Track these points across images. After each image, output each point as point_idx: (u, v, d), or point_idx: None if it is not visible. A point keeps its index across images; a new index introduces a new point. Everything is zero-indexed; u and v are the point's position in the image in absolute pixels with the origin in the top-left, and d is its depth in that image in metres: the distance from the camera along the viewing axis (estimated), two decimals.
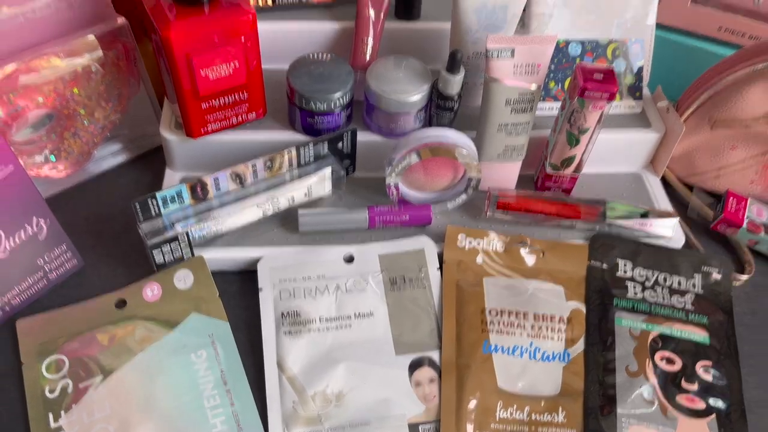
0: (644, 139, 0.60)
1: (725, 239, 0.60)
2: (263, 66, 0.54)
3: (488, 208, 0.57)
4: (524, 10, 0.55)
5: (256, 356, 0.50)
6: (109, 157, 0.62)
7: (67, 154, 0.58)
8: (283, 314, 0.51)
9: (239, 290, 0.53)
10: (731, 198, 0.59)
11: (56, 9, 0.53)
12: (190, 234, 0.51)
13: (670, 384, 0.50)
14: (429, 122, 0.59)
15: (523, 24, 0.52)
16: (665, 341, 0.52)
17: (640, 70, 0.61)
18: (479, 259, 0.55)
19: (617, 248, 0.56)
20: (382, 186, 0.55)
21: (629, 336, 0.52)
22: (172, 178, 0.59)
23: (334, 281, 0.53)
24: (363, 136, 0.58)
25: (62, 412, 0.46)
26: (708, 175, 0.61)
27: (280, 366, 0.49)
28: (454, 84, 0.54)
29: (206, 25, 0.48)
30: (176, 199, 0.52)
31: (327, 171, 0.56)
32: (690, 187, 0.63)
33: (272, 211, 0.55)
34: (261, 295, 0.52)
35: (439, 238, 0.55)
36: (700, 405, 0.49)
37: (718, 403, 0.49)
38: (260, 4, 0.61)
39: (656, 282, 0.55)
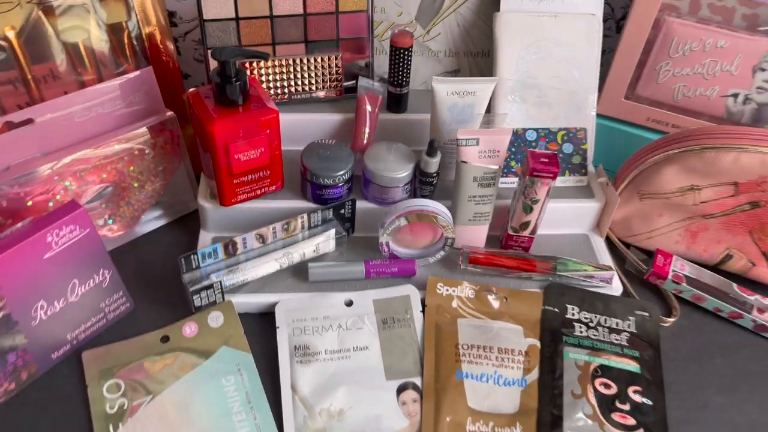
0: (589, 208, 0.74)
1: (656, 288, 0.73)
2: (282, 147, 0.68)
3: (462, 263, 0.70)
4: (489, 110, 0.70)
5: (274, 381, 0.61)
6: (153, 220, 0.75)
7: (121, 218, 0.72)
8: (295, 347, 0.63)
9: (260, 328, 0.66)
10: (659, 255, 0.72)
11: (120, 106, 0.67)
12: (222, 283, 0.64)
13: (606, 405, 0.61)
14: (414, 194, 0.73)
15: (488, 120, 0.67)
16: (604, 370, 0.64)
17: (585, 151, 0.75)
18: (454, 303, 0.68)
19: (567, 296, 0.69)
20: (376, 244, 0.69)
21: (574, 366, 0.64)
22: (205, 237, 0.72)
23: (336, 321, 0.65)
24: (361, 204, 0.71)
25: (120, 425, 0.58)
26: (642, 236, 0.75)
27: (293, 388, 0.61)
28: (432, 164, 0.69)
29: (240, 121, 0.62)
30: (212, 254, 0.65)
31: (332, 232, 0.69)
32: (628, 246, 0.76)
33: (287, 264, 0.68)
34: (278, 332, 0.64)
35: (421, 287, 0.68)
36: (631, 421, 0.61)
37: (646, 419, 0.61)
38: (278, 99, 0.76)
39: (598, 323, 0.67)
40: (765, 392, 0.65)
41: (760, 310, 0.69)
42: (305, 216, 0.68)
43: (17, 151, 0.63)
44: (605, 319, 0.68)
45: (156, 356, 0.62)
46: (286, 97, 0.75)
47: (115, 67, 0.69)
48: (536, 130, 0.74)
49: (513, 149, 0.74)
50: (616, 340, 0.66)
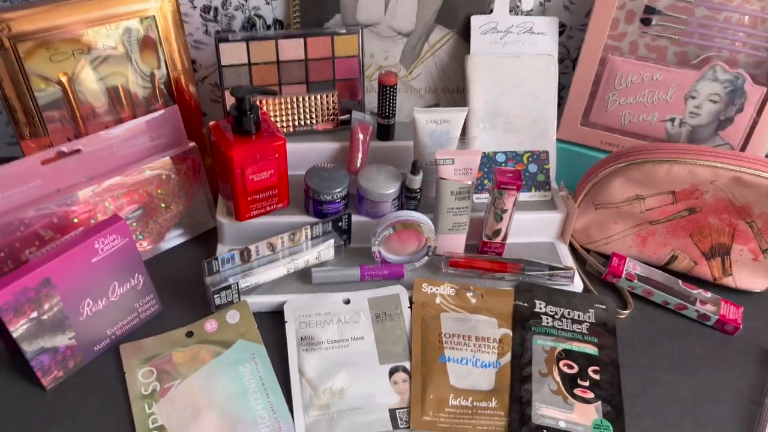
0: (553, 218, 0.86)
1: (613, 286, 0.84)
2: (288, 172, 0.80)
3: (443, 267, 0.81)
4: (464, 134, 0.83)
5: (284, 366, 0.71)
6: (176, 237, 0.86)
7: (149, 234, 0.83)
8: (301, 338, 0.74)
9: (271, 324, 0.76)
10: (615, 257, 0.83)
11: (150, 139, 0.79)
12: (238, 284, 0.75)
13: (569, 381, 0.71)
14: (401, 207, 0.84)
15: (462, 143, 0.79)
16: (567, 354, 0.74)
17: (548, 170, 0.87)
18: (437, 300, 0.79)
19: (535, 292, 0.80)
20: (370, 252, 0.80)
21: (542, 350, 0.74)
22: (222, 250, 0.83)
23: (336, 316, 0.76)
24: (356, 218, 0.82)
25: (154, 404, 0.68)
26: (600, 242, 0.86)
27: (301, 372, 0.71)
28: (416, 181, 0.81)
29: (254, 147, 0.74)
30: (230, 260, 0.76)
31: (331, 242, 0.80)
32: (588, 251, 0.87)
33: (294, 270, 0.79)
34: (286, 326, 0.74)
35: (409, 287, 0.79)
36: (590, 395, 0.71)
37: (603, 394, 0.71)
38: (285, 131, 0.88)
39: (562, 315, 0.78)
40: (707, 371, 0.75)
41: (702, 302, 0.80)
42: (308, 228, 0.79)
43: (66, 176, 0.74)
44: (568, 312, 0.78)
45: (182, 348, 0.73)
46: (291, 129, 0.88)
47: (146, 105, 0.81)
48: (505, 153, 0.87)
49: (486, 170, 0.86)
50: (578, 329, 0.77)
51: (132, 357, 0.72)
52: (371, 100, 0.90)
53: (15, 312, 0.63)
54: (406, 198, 0.83)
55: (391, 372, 0.72)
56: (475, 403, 0.69)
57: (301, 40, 0.83)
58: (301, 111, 0.87)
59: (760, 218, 0.77)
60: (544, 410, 0.69)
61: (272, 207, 0.81)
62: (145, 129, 0.78)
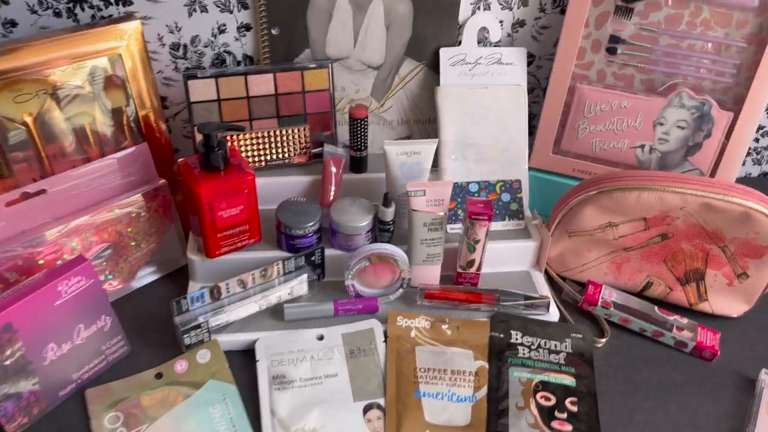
0: (527, 247, 0.85)
1: (589, 314, 0.83)
2: (260, 206, 0.78)
3: (418, 299, 0.80)
4: (435, 165, 0.83)
5: (255, 406, 0.70)
6: (147, 275, 0.84)
7: (119, 273, 0.82)
8: (273, 377, 0.72)
9: (243, 362, 0.74)
10: (590, 285, 0.83)
11: (120, 177, 0.78)
12: (208, 323, 0.74)
13: (546, 414, 0.70)
14: (375, 240, 0.84)
15: (435, 175, 0.79)
16: (544, 385, 0.73)
17: (521, 199, 0.87)
18: (412, 333, 0.78)
19: (510, 323, 0.79)
20: (344, 286, 0.79)
21: (518, 382, 0.73)
22: (194, 287, 0.81)
23: (309, 353, 0.74)
24: (329, 252, 0.82)
25: None
26: (575, 270, 0.86)
27: (272, 412, 0.69)
28: (388, 214, 0.80)
29: (222, 183, 0.74)
30: (200, 299, 0.75)
31: (304, 277, 0.79)
32: (564, 279, 0.87)
33: (266, 306, 0.78)
34: (258, 364, 0.73)
35: (384, 321, 0.78)
36: (568, 428, 0.69)
37: (581, 426, 0.70)
38: (256, 165, 0.88)
39: (539, 345, 0.77)
40: (685, 398, 0.74)
41: (679, 329, 0.80)
42: (280, 263, 0.78)
43: (31, 217, 0.73)
44: (545, 342, 0.78)
45: (151, 390, 0.71)
46: (263, 163, 0.88)
47: (115, 143, 0.81)
48: (477, 182, 0.87)
49: (459, 200, 0.86)
50: (555, 359, 0.76)
51: (98, 402, 0.70)
52: (344, 132, 0.90)
53: None
54: (380, 230, 0.82)
55: (366, 409, 0.70)
56: None
57: (271, 76, 0.83)
58: (273, 145, 0.87)
59: (732, 243, 0.77)
60: None
61: (243, 243, 0.80)
62: (113, 167, 0.77)
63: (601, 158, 0.89)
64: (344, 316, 0.78)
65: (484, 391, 0.72)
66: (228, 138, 0.84)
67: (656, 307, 0.81)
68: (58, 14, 0.80)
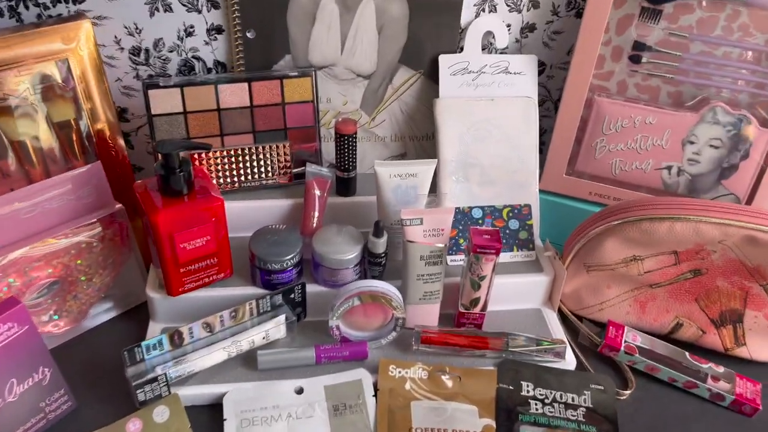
0: (538, 282, 0.75)
1: (610, 360, 0.73)
2: (231, 234, 0.68)
3: (414, 343, 0.70)
4: (434, 190, 0.72)
5: None
6: (102, 313, 0.74)
7: (67, 313, 0.70)
8: None
9: (208, 420, 0.63)
10: (611, 327, 0.72)
11: (67, 201, 0.68)
12: (167, 375, 0.63)
13: None
14: (364, 275, 0.73)
15: (432, 201, 0.69)
16: None
17: (531, 227, 0.77)
18: (407, 385, 0.67)
19: (521, 372, 0.69)
20: (327, 328, 0.68)
21: None
22: (154, 328, 0.71)
23: (286, 410, 0.63)
24: (311, 288, 0.71)
25: None
26: (593, 308, 0.75)
27: None
28: (379, 245, 0.70)
29: (185, 210, 0.63)
30: (158, 346, 0.64)
31: (282, 317, 0.69)
32: (580, 318, 0.76)
33: (236, 353, 0.67)
34: (225, 424, 0.62)
35: (374, 370, 0.67)
36: None
37: None
38: (229, 188, 0.77)
39: (554, 399, 0.67)
40: None
41: (714, 379, 0.69)
42: (253, 303, 0.68)
43: None
44: (561, 395, 0.67)
45: None
46: (236, 185, 0.77)
47: (64, 162, 0.70)
48: (482, 208, 0.76)
49: (460, 227, 0.75)
50: (573, 416, 0.65)
51: None
52: (330, 150, 0.80)
53: None
54: (370, 264, 0.71)
55: None
56: None
57: (246, 85, 0.73)
58: (248, 164, 0.76)
59: None
60: None
61: (211, 278, 0.69)
62: (60, 190, 0.67)
63: (622, 181, 0.78)
64: (328, 365, 0.68)
65: None
66: (194, 157, 0.73)
67: (687, 353, 0.71)
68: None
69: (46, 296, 0.68)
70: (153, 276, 0.71)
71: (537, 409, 0.65)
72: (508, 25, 0.79)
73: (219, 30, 0.75)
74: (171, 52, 0.75)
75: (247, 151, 0.76)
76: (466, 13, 0.77)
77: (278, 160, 0.77)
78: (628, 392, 0.69)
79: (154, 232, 0.63)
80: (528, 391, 0.67)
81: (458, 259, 0.75)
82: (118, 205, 0.71)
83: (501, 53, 0.80)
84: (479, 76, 0.78)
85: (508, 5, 0.77)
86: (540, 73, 0.82)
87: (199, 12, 0.73)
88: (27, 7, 0.69)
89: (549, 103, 0.85)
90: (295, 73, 0.75)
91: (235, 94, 0.73)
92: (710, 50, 0.72)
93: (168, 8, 0.72)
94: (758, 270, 0.67)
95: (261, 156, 0.76)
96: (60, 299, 0.69)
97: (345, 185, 0.77)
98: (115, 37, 0.73)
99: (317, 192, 0.75)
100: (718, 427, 0.67)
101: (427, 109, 0.80)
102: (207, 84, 0.72)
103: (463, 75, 0.77)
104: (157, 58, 0.75)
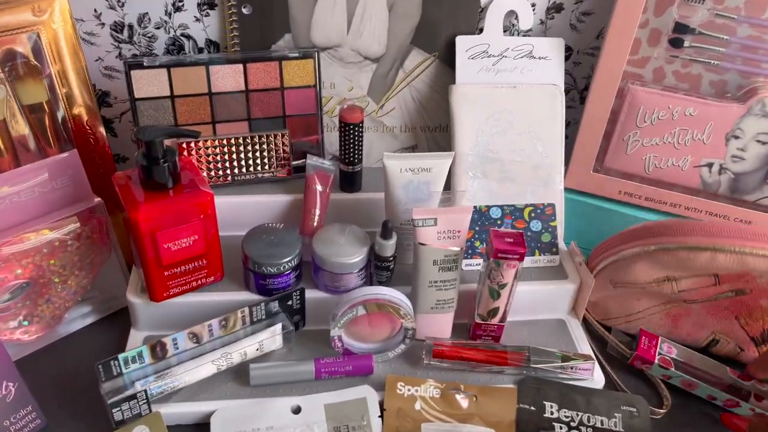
0: (563, 289, 0.68)
1: (642, 373, 0.66)
2: (223, 233, 0.62)
3: (425, 357, 0.63)
4: (448, 187, 0.65)
5: None
6: (79, 319, 0.67)
7: (39, 318, 0.64)
8: None
9: None
10: (644, 336, 0.65)
11: (40, 193, 0.61)
12: (148, 391, 0.56)
13: None
14: (370, 280, 0.66)
15: (447, 198, 0.62)
16: None
17: (555, 228, 0.70)
18: (417, 405, 0.60)
19: (543, 391, 0.62)
20: (329, 338, 0.61)
21: None
22: (135, 337, 0.64)
23: (281, 431, 0.57)
24: (311, 294, 0.64)
25: None
26: (619, 319, 0.68)
27: None
28: (387, 248, 0.63)
29: (170, 206, 0.56)
30: (137, 359, 0.57)
31: (278, 327, 0.62)
32: (608, 329, 0.69)
33: (226, 366, 0.60)
34: None
35: (380, 387, 0.61)
36: None
37: None
38: (220, 181, 0.70)
39: (581, 422, 0.60)
40: None
41: (758, 397, 0.62)
42: (246, 310, 0.61)
43: None
44: (588, 417, 0.60)
45: None
46: (228, 179, 0.70)
47: (37, 151, 0.63)
48: (501, 207, 0.69)
49: (477, 228, 0.68)
50: None
51: None
52: (333, 141, 0.74)
53: None
54: (376, 268, 0.64)
55: None
56: None
57: (240, 66, 0.67)
58: (242, 156, 0.70)
59: None
60: None
61: (200, 282, 0.62)
62: (31, 182, 0.60)
63: (656, 179, 0.71)
64: (328, 380, 0.61)
65: None
66: (182, 146, 0.66)
67: (728, 369, 0.64)
68: None
69: (15, 299, 0.61)
70: (135, 278, 0.64)
71: None
72: (533, 5, 0.72)
73: (211, 5, 0.68)
74: (158, 29, 0.68)
75: (241, 141, 0.69)
76: None
77: (276, 152, 0.71)
78: (662, 411, 0.62)
79: (134, 230, 0.56)
80: (552, 413, 0.60)
81: (474, 264, 0.68)
82: (97, 199, 0.64)
83: (524, 35, 0.74)
84: (500, 60, 0.71)
85: None
86: (566, 58, 0.75)
87: None
88: None
89: (574, 92, 0.78)
90: (296, 55, 0.69)
91: (228, 77, 0.67)
92: (759, 34, 0.64)
93: None
94: None
95: (257, 146, 0.70)
96: (31, 303, 0.62)
97: (349, 180, 0.71)
98: (95, 10, 0.66)
99: (319, 187, 0.68)
100: None
101: (442, 97, 0.74)
102: (197, 65, 0.66)
103: (483, 59, 0.71)
104: (141, 35, 0.68)
